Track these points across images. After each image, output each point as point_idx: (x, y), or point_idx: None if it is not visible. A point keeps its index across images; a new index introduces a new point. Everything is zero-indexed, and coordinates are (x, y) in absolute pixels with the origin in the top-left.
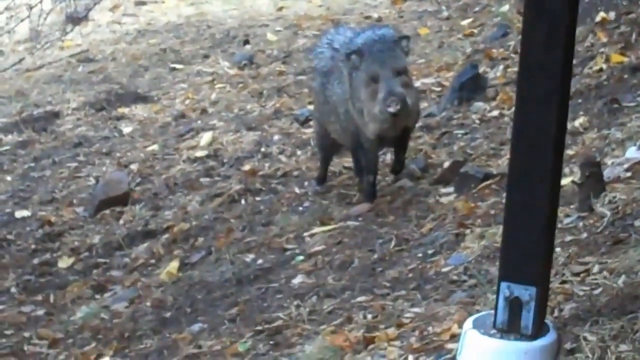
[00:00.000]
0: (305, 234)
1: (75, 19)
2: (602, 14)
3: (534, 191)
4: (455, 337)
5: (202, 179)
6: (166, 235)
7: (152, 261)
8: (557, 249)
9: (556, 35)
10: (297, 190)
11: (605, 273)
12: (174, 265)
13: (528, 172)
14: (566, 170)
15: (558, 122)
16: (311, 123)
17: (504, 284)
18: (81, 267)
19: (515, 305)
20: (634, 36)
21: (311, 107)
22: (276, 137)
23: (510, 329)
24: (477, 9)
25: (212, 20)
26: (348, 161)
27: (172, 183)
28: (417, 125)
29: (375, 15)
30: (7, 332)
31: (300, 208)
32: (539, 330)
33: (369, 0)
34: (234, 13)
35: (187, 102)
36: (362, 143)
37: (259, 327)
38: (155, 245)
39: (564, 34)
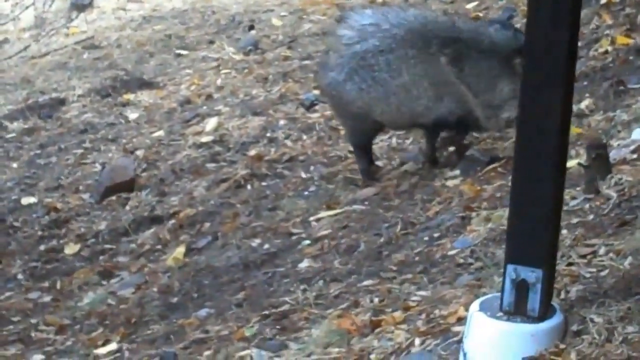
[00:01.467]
0: (312, 218)
1: (80, 6)
2: None
3: (540, 174)
4: (462, 320)
5: (208, 165)
6: (172, 221)
7: (159, 247)
8: (564, 231)
9: (561, 16)
10: (303, 174)
11: (611, 255)
12: (180, 250)
13: (534, 154)
14: (572, 152)
15: (564, 104)
16: (320, 110)
17: (510, 267)
18: (87, 253)
19: (521, 288)
20: (639, 18)
21: (317, 91)
22: (282, 122)
23: (517, 311)
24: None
25: (217, 6)
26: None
27: (178, 169)
28: None
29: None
30: (14, 319)
31: (306, 192)
32: (546, 312)
33: None
34: None
35: (193, 87)
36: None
37: (266, 312)
38: (161, 231)
39: (568, 16)
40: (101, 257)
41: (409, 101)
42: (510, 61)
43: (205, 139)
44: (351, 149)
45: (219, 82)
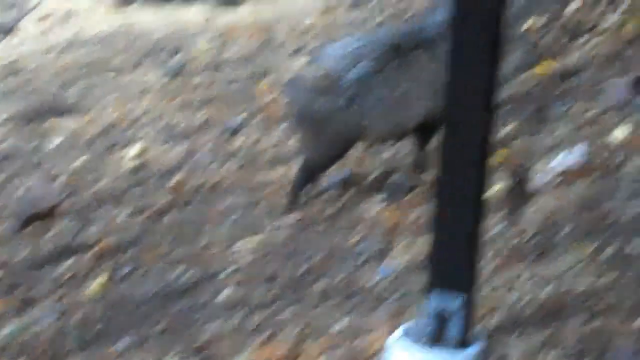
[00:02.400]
0: (234, 246)
1: (3, 30)
2: (530, 20)
3: (461, 200)
4: (383, 349)
5: (131, 192)
6: (94, 249)
7: (80, 276)
8: (485, 258)
9: (484, 39)
10: (225, 202)
11: (532, 282)
12: (101, 279)
13: (454, 180)
14: (494, 177)
15: (485, 130)
16: (244, 135)
17: (431, 294)
18: (7, 282)
19: (442, 315)
20: (562, 42)
21: (243, 115)
22: (205, 148)
23: (437, 339)
24: (409, 14)
25: (142, 30)
26: (277, 172)
27: (100, 196)
28: None
29: (306, 23)
30: None
31: (229, 220)
32: (467, 340)
33: (299, 9)
34: (164, 23)
35: (117, 113)
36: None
37: (187, 342)
38: (82, 259)
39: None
40: (20, 287)
41: (407, 110)
42: None
43: (128, 165)
44: (275, 175)
45: (143, 107)
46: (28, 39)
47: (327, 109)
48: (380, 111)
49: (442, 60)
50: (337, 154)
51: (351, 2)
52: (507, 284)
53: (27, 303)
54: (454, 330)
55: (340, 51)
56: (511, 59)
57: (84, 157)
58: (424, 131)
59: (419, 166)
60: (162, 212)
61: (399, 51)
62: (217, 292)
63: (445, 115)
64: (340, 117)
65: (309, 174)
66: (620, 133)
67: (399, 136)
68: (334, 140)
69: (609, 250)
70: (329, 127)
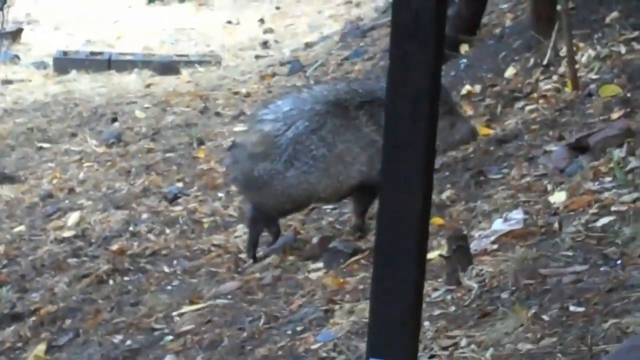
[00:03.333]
0: (174, 313)
1: None
2: (467, 87)
3: (400, 266)
4: None
5: (69, 260)
6: (33, 318)
7: (19, 345)
8: (426, 323)
9: (420, 109)
10: (165, 269)
11: (473, 346)
12: (41, 348)
13: (394, 246)
14: (433, 243)
15: (423, 197)
16: (182, 203)
17: None
18: None
19: None
20: (499, 108)
21: (181, 182)
22: (144, 216)
23: None
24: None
25: (80, 98)
26: (217, 238)
27: (39, 264)
28: None
29: (244, 91)
30: None
31: (169, 287)
32: None
33: (237, 76)
34: (101, 90)
35: (55, 181)
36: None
37: None
38: (22, 328)
39: (427, 108)
40: None
41: (347, 169)
42: None
43: (67, 233)
44: (215, 242)
45: (81, 175)
46: None
47: (267, 173)
48: (318, 171)
49: (381, 123)
50: (290, 208)
51: (288, 69)
52: (447, 350)
53: None
54: None
55: (274, 113)
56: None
57: (22, 226)
58: (363, 193)
59: (358, 231)
60: (102, 280)
61: (339, 110)
62: (159, 359)
63: (382, 182)
64: (281, 179)
65: (260, 227)
66: (557, 198)
67: (340, 197)
68: (282, 201)
69: (550, 314)
70: (272, 191)
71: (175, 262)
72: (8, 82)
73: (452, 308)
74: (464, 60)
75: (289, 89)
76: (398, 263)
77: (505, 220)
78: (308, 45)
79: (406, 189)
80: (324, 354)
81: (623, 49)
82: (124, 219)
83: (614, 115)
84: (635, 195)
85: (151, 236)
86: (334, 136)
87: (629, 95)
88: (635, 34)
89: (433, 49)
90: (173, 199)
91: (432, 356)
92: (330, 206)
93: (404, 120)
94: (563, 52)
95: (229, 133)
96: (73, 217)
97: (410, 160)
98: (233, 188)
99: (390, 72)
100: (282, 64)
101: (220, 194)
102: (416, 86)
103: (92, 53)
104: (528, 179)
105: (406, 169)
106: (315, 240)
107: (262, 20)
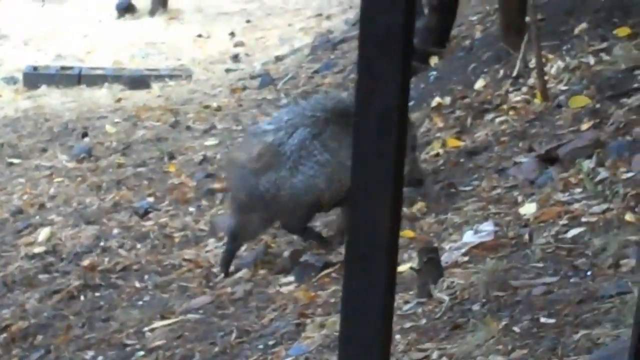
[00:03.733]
0: (146, 328)
1: None
2: (437, 99)
3: (371, 279)
4: None
5: (40, 276)
6: (4, 335)
7: None
8: (397, 336)
9: (388, 123)
10: (137, 284)
11: (444, 359)
12: None
13: (363, 259)
14: (404, 256)
15: (392, 210)
16: (153, 218)
17: None
18: None
19: None
20: (469, 120)
21: (150, 199)
22: (115, 231)
23: None
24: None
25: (50, 114)
26: (188, 253)
27: (9, 281)
28: None
29: (215, 104)
30: None
31: (141, 302)
32: None
33: (207, 90)
34: (72, 106)
35: (25, 197)
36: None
37: None
38: None
39: (395, 122)
40: None
41: (348, 174)
42: None
43: (37, 249)
44: (186, 257)
45: (51, 191)
46: None
47: (273, 184)
48: (323, 175)
49: None
50: (308, 213)
51: (259, 82)
52: None
53: None
54: None
55: (276, 124)
56: (418, 138)
57: None
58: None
59: (331, 242)
60: (73, 296)
61: (338, 117)
62: None
63: (352, 196)
64: (288, 186)
65: (301, 231)
66: (527, 209)
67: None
68: (296, 209)
69: (520, 325)
70: (280, 202)
71: (146, 277)
72: None
73: (423, 321)
74: (434, 73)
75: (260, 102)
76: (368, 276)
77: (476, 232)
78: (278, 59)
79: (375, 202)
80: None
81: (592, 60)
82: (95, 234)
83: (584, 126)
84: (604, 206)
85: (122, 251)
86: (334, 141)
87: (598, 106)
88: (604, 45)
89: (401, 63)
90: (144, 214)
91: None
92: None
93: (373, 134)
94: (532, 63)
95: (199, 147)
96: (44, 233)
97: (379, 173)
98: (204, 202)
99: (358, 87)
100: (252, 78)
101: (191, 209)
102: (384, 100)
103: (63, 68)
104: (498, 190)
105: (375, 182)
106: (286, 253)
107: (232, 34)
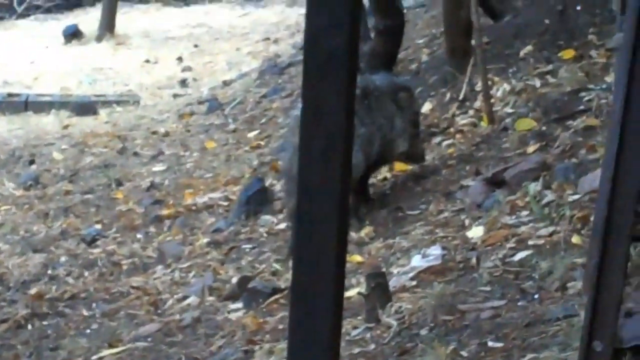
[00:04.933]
0: (94, 357)
1: None
2: None
3: (318, 305)
4: None
5: None
6: None
7: None
8: None
9: (334, 149)
10: (84, 312)
11: None
12: None
13: (310, 285)
14: (352, 281)
15: (338, 235)
16: (101, 245)
17: None
18: None
19: None
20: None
21: (98, 226)
22: (63, 259)
23: None
24: (263, 120)
25: None
26: (136, 280)
27: None
28: (205, 240)
29: (163, 130)
30: None
31: (88, 331)
32: None
33: (155, 115)
34: (18, 132)
35: None
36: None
37: None
38: None
39: (341, 148)
40: None
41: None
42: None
43: None
44: (134, 284)
45: None
46: None
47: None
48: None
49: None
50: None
51: (207, 107)
52: None
53: None
54: None
55: None
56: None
57: None
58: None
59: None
60: (20, 325)
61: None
62: None
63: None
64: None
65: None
66: (474, 233)
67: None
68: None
69: (468, 349)
70: None
71: (94, 305)
72: None
73: (372, 346)
74: None
75: (208, 127)
76: (315, 302)
77: (424, 256)
78: (226, 83)
79: (322, 228)
80: None
81: (538, 83)
82: (42, 262)
83: (530, 149)
84: (551, 228)
85: (70, 279)
86: (367, 118)
87: (544, 128)
88: (550, 67)
89: (346, 88)
90: (91, 241)
91: None
92: (249, 246)
93: (318, 160)
94: (479, 86)
95: (147, 173)
96: None
97: (325, 199)
98: (152, 229)
99: (303, 113)
100: (200, 103)
101: (139, 235)
102: (329, 126)
103: (9, 94)
104: (446, 214)
105: (321, 208)
106: (234, 280)
107: (180, 59)
